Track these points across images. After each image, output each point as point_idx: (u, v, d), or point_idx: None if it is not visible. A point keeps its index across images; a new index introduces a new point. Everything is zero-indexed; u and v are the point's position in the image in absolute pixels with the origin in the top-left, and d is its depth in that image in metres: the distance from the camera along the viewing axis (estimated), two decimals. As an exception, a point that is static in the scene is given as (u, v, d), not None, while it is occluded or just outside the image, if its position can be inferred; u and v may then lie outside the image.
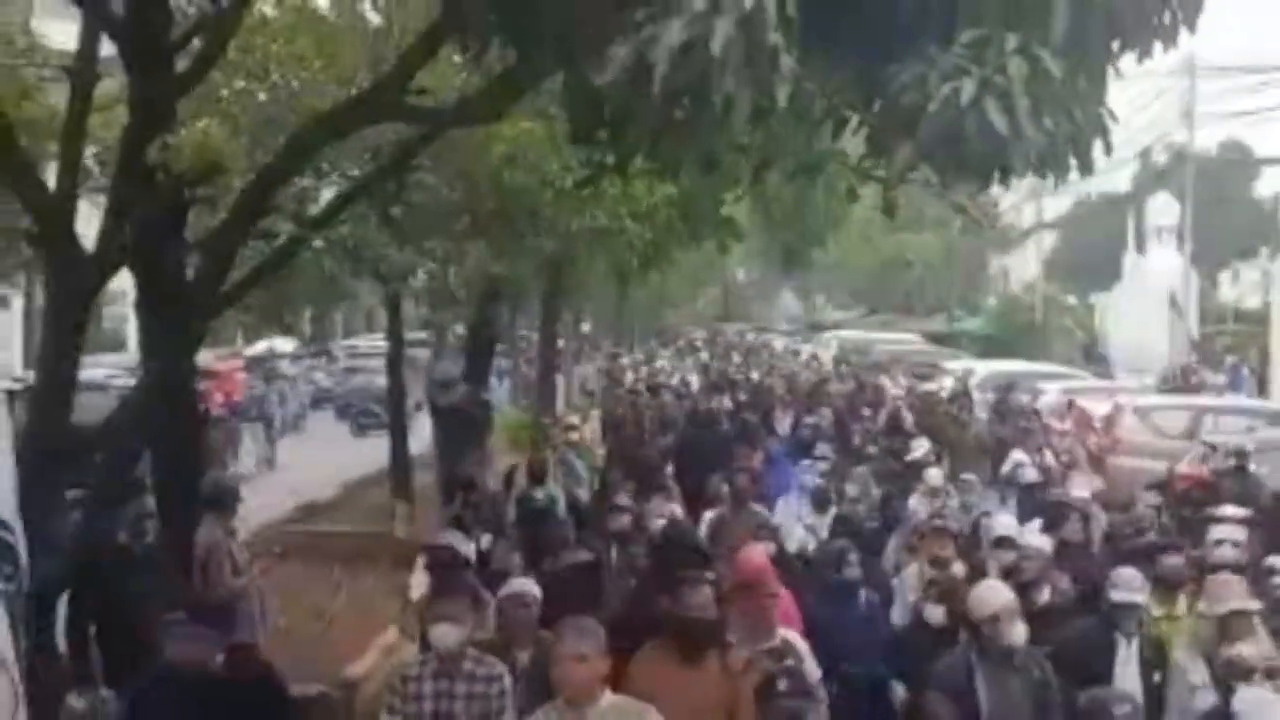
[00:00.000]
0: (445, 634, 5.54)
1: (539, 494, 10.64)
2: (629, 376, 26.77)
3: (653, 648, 5.87)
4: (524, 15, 4.72)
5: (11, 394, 19.75)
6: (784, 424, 17.47)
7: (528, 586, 6.52)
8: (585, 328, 39.42)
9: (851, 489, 11.28)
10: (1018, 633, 5.96)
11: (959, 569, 8.11)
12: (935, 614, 7.42)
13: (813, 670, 6.45)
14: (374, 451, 17.27)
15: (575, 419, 17.03)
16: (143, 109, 6.24)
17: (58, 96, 7.63)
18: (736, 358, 36.23)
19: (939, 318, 51.11)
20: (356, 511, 14.74)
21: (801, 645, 6.49)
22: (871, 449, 14.44)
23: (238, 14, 6.18)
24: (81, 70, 6.51)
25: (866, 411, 18.21)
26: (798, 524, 10.32)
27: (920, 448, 13.32)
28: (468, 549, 7.88)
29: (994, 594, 6.14)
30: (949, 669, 6.09)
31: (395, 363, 15.04)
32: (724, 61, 3.47)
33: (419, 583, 7.77)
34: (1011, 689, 5.92)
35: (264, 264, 7.14)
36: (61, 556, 6.57)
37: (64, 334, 6.22)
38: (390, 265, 11.32)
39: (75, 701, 6.71)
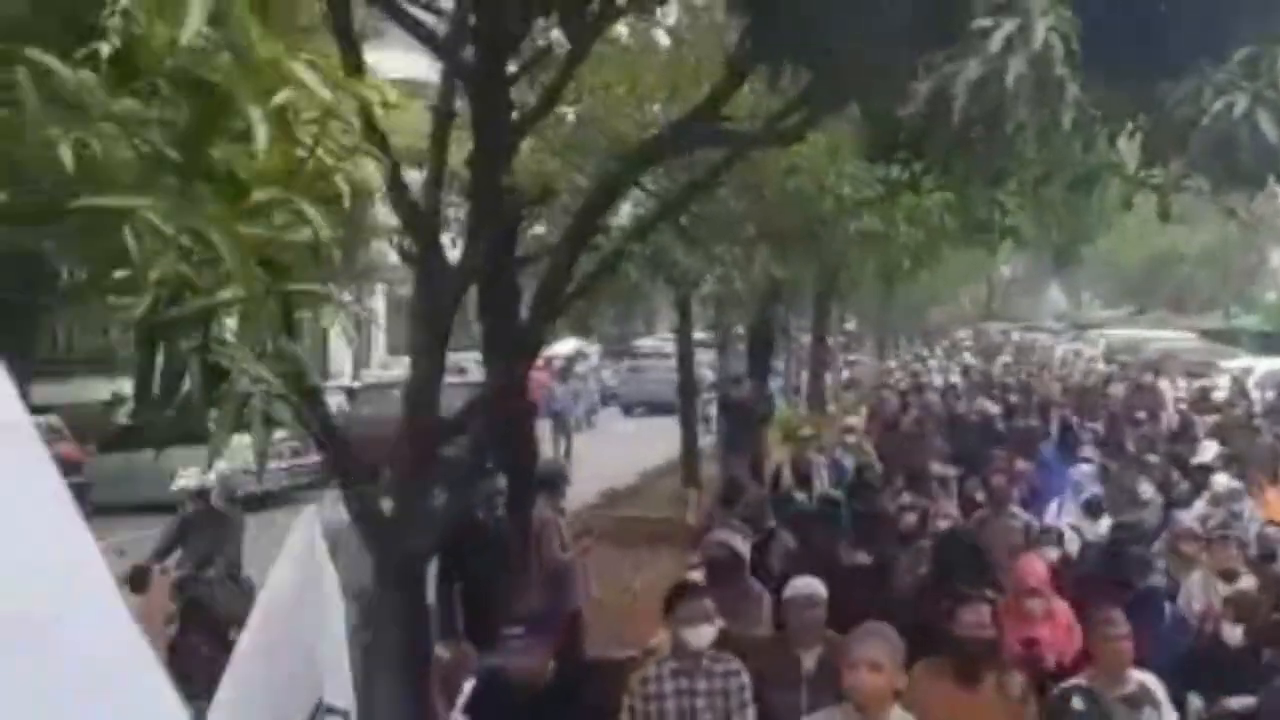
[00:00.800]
0: (702, 634, 5.50)
1: (800, 496, 11.03)
2: (896, 376, 26.62)
3: (927, 666, 5.69)
4: (828, 51, 5.49)
5: (351, 391, 21.79)
6: (1054, 427, 17.04)
7: (815, 586, 6.26)
8: (849, 326, 39.78)
9: (1124, 495, 11.01)
10: None
11: (1249, 582, 7.88)
12: (1234, 634, 7.19)
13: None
14: (662, 444, 18.31)
15: (852, 420, 16.97)
16: (488, 138, 7.19)
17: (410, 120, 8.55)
18: (1006, 358, 35.31)
19: (1214, 314, 49.19)
20: (652, 499, 15.73)
21: (1160, 693, 5.78)
22: (1151, 455, 13.70)
23: (585, 50, 6.94)
24: (440, 104, 7.49)
25: (1142, 414, 17.63)
26: (1065, 529, 10.00)
27: (1208, 451, 12.99)
28: (745, 547, 7.62)
29: None
30: None
31: (686, 361, 16.01)
32: (1016, 93, 4.12)
33: (695, 574, 7.49)
34: None
35: (593, 274, 8.09)
36: (430, 529, 7.66)
37: (434, 338, 7.25)
38: (683, 270, 12.24)
39: (442, 651, 7.90)
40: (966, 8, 4.22)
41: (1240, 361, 29.34)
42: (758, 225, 12.51)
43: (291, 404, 2.76)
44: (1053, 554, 8.18)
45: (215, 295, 2.51)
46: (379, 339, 37.41)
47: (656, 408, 25.58)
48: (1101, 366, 29.63)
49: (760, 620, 6.67)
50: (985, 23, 4.04)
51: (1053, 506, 11.02)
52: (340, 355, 36.40)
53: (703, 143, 7.25)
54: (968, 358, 36.45)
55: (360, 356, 37.52)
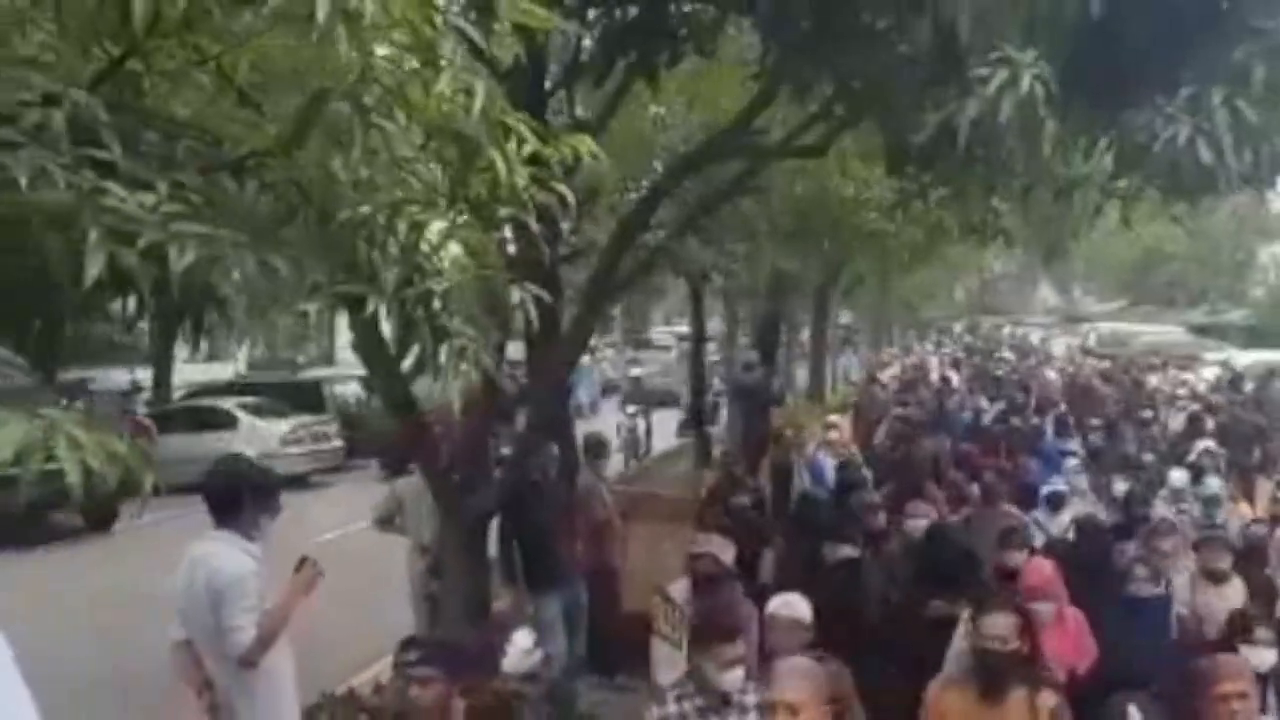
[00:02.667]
0: (735, 679, 5.16)
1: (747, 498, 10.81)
2: (888, 372, 26.08)
3: (949, 681, 5.51)
4: (850, 80, 6.61)
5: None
6: (1049, 425, 16.14)
7: (798, 608, 5.92)
8: (844, 319, 40.78)
9: (1099, 492, 10.92)
10: None
11: (1237, 584, 7.76)
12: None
13: None
14: (665, 431, 19.41)
15: (836, 417, 16.48)
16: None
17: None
18: (1009, 354, 34.71)
19: (1200, 309, 50.35)
20: (663, 480, 16.79)
21: None
22: (1148, 455, 13.55)
23: (656, 88, 7.64)
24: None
25: (1148, 414, 17.34)
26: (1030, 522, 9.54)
27: (1198, 450, 12.80)
28: (729, 556, 7.15)
29: None
30: None
31: (698, 349, 17.14)
32: (1007, 127, 5.24)
33: (680, 588, 7.02)
34: None
35: (635, 270, 9.15)
36: (492, 490, 8.73)
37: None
38: (698, 265, 13.36)
39: (504, 591, 9.02)
40: (967, 55, 5.34)
41: (1223, 354, 30.43)
42: (767, 224, 13.59)
43: (489, 355, 3.87)
44: (1018, 556, 7.67)
45: (444, 280, 3.65)
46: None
47: (658, 400, 26.28)
48: (1094, 362, 29.69)
49: (748, 637, 6.04)
50: (983, 71, 5.16)
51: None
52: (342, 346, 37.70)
53: (736, 153, 8.32)
54: (960, 354, 36.60)
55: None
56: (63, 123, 2.76)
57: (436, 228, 3.33)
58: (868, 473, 11.48)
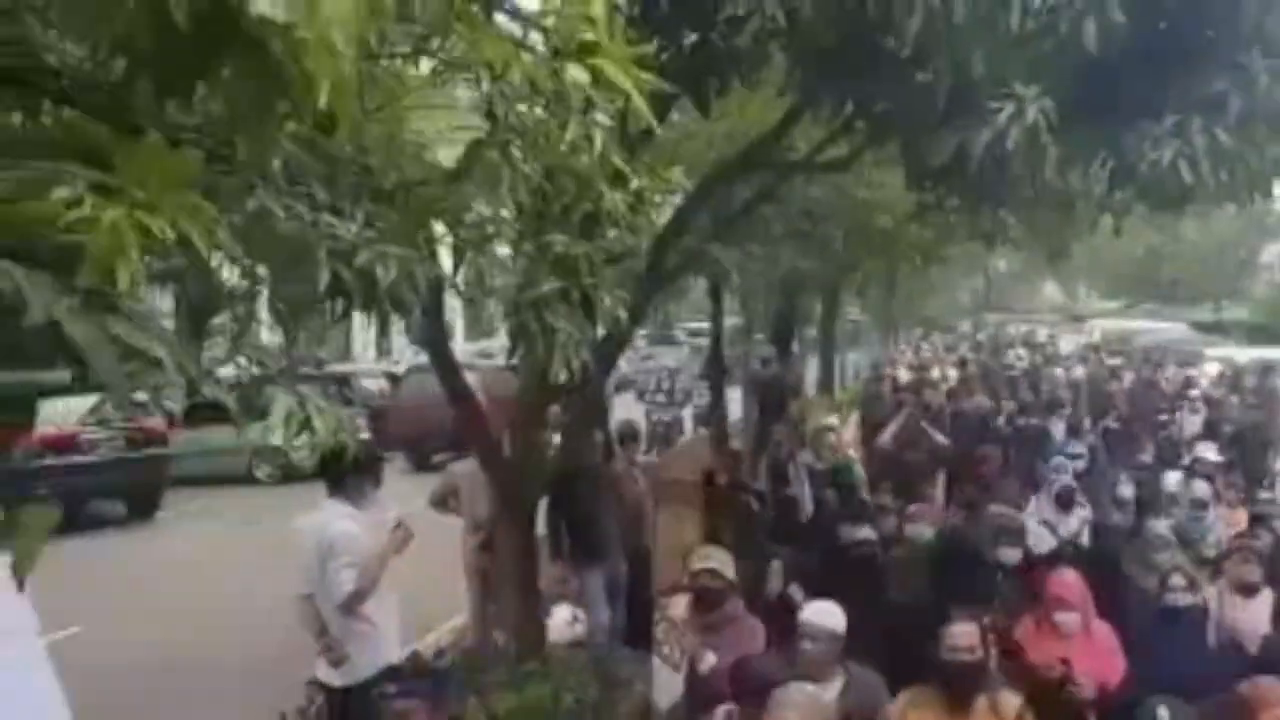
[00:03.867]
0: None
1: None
2: (895, 370, 25.24)
3: (913, 695, 5.56)
4: (875, 102, 7.44)
5: (394, 376, 23.42)
6: (1060, 425, 15.57)
7: (831, 621, 5.73)
8: (852, 316, 41.36)
9: (1104, 493, 10.72)
10: None
11: (1267, 599, 7.60)
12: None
13: None
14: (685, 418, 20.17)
15: (834, 418, 16.64)
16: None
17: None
18: (1022, 351, 34.23)
19: (1204, 307, 51.01)
20: (685, 466, 17.51)
21: None
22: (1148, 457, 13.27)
23: (707, 113, 8.14)
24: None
25: (1165, 415, 17.03)
26: (1037, 523, 9.60)
27: (1207, 451, 12.68)
28: (731, 571, 6.80)
29: None
30: None
31: (717, 343, 17.91)
32: (1015, 152, 6.08)
33: (679, 603, 6.81)
34: None
35: (674, 270, 9.93)
36: (542, 473, 9.54)
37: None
38: (719, 264, 14.11)
39: (552, 566, 9.87)
40: (980, 89, 6.19)
41: (1224, 350, 31.12)
42: (784, 225, 14.37)
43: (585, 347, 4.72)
44: (1014, 555, 7.73)
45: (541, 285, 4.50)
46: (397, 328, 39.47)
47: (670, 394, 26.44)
48: (1109, 360, 29.10)
49: (752, 652, 6.14)
50: (994, 104, 6.01)
51: (1033, 500, 10.60)
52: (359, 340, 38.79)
53: (768, 166, 9.13)
54: (966, 352, 36.31)
55: (380, 344, 39.91)
56: (280, 165, 3.58)
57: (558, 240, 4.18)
58: (862, 474, 11.82)
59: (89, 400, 11.38)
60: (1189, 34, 6.58)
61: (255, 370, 3.60)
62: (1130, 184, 6.75)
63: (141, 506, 18.62)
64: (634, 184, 4.14)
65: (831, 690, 5.46)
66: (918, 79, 6.65)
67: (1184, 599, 7.02)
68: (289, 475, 18.74)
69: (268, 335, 5.13)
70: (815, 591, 6.50)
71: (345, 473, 6.29)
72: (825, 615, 5.73)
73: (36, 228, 2.13)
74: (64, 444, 16.67)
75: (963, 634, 5.49)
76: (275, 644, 9.17)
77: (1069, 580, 6.73)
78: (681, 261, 10.11)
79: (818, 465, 12.00)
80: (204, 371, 2.77)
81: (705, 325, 25.77)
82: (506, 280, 4.51)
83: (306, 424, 3.20)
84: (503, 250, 4.63)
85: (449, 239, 4.31)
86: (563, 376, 4.65)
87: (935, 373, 24.06)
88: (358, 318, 4.38)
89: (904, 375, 23.01)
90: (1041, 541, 9.00)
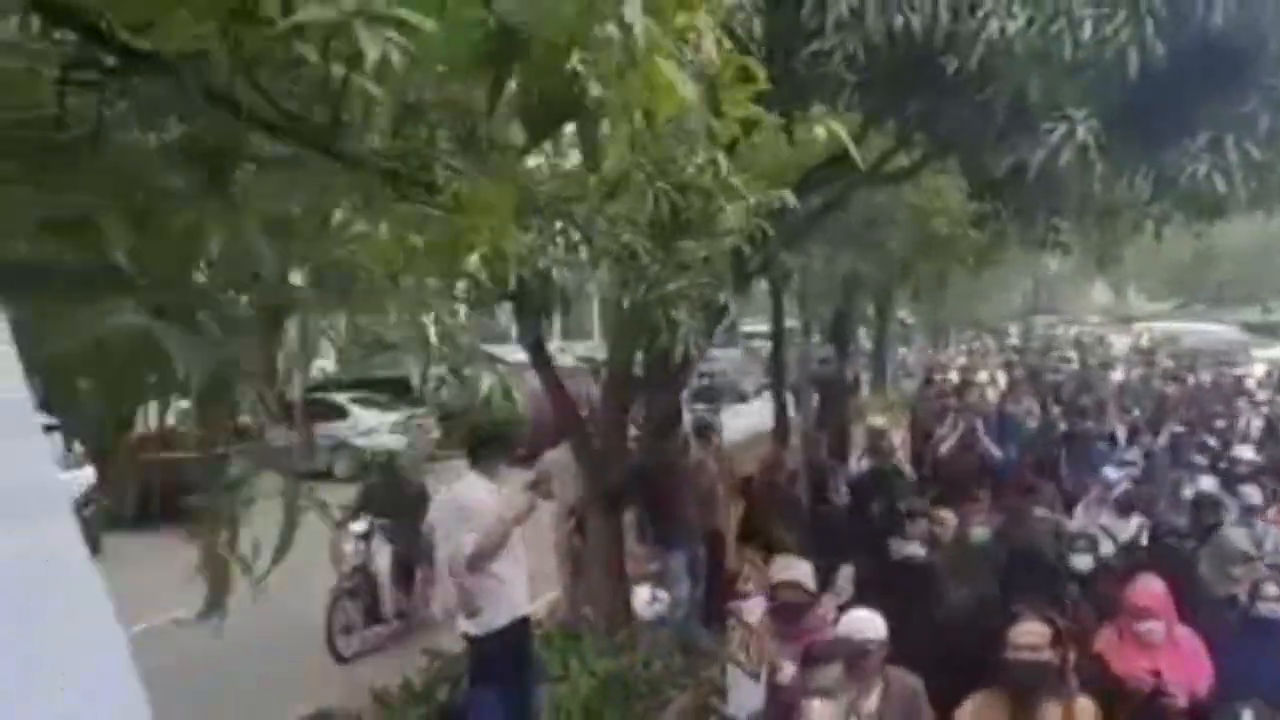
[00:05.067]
0: (819, 711, 4.92)
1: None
2: (945, 376, 24.19)
3: (984, 696, 5.43)
4: (939, 120, 8.25)
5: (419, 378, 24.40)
6: (1120, 429, 15.47)
7: (869, 628, 5.70)
8: (903, 316, 41.64)
9: (1163, 496, 10.63)
10: None
11: None
12: None
13: None
14: (739, 419, 20.89)
15: (883, 420, 15.72)
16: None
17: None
18: (1072, 353, 34.29)
19: (1252, 308, 51.10)
20: (747, 462, 18.30)
21: None
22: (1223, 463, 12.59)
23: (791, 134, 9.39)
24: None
25: (1221, 422, 16.59)
26: (1098, 532, 9.35)
27: (1245, 451, 12.68)
28: (812, 583, 6.74)
29: None
30: None
31: (778, 343, 18.66)
32: (1066, 169, 6.90)
33: (755, 609, 6.77)
34: None
35: (749, 275, 10.70)
36: (628, 463, 10.34)
37: (631, 335, 9.96)
38: (782, 266, 14.88)
39: (637, 548, 10.71)
40: (1035, 113, 7.01)
41: (1271, 351, 31.49)
42: (845, 230, 15.12)
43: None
44: (1085, 561, 7.74)
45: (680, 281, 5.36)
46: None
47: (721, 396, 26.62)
48: (1166, 362, 28.88)
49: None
50: (1048, 125, 6.82)
51: (1078, 508, 10.60)
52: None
53: (838, 177, 9.91)
54: (1013, 354, 36.43)
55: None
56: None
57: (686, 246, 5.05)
58: (912, 476, 11.85)
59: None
60: (1221, 59, 7.33)
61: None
62: (1170, 194, 7.55)
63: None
64: (751, 200, 4.96)
65: (872, 697, 5.46)
66: (977, 99, 7.43)
67: (1278, 609, 6.86)
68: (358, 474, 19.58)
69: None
70: (864, 598, 6.56)
71: (485, 449, 7.28)
72: (865, 627, 5.68)
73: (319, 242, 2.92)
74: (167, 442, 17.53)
75: (1030, 633, 5.32)
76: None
77: (1154, 590, 6.48)
78: (756, 267, 10.88)
79: (865, 466, 12.37)
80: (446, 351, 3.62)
81: (760, 328, 26.67)
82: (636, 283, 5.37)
83: (507, 394, 4.06)
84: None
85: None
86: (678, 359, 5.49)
87: (984, 376, 23.72)
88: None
89: (954, 378, 22.41)
90: (1103, 545, 8.80)
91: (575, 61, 2.26)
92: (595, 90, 2.31)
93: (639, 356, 9.85)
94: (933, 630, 6.33)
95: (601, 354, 20.95)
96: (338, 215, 3.16)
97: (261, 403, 2.41)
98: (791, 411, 18.26)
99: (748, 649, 6.54)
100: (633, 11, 2.14)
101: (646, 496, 10.53)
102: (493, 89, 2.28)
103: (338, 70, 2.23)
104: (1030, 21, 6.41)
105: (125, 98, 3.76)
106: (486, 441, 7.27)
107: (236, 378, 2.34)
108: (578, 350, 21.02)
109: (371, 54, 1.97)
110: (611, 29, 2.18)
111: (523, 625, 7.36)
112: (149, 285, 2.07)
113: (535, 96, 2.38)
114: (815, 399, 17.59)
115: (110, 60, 3.20)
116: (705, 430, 12.07)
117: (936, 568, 7.64)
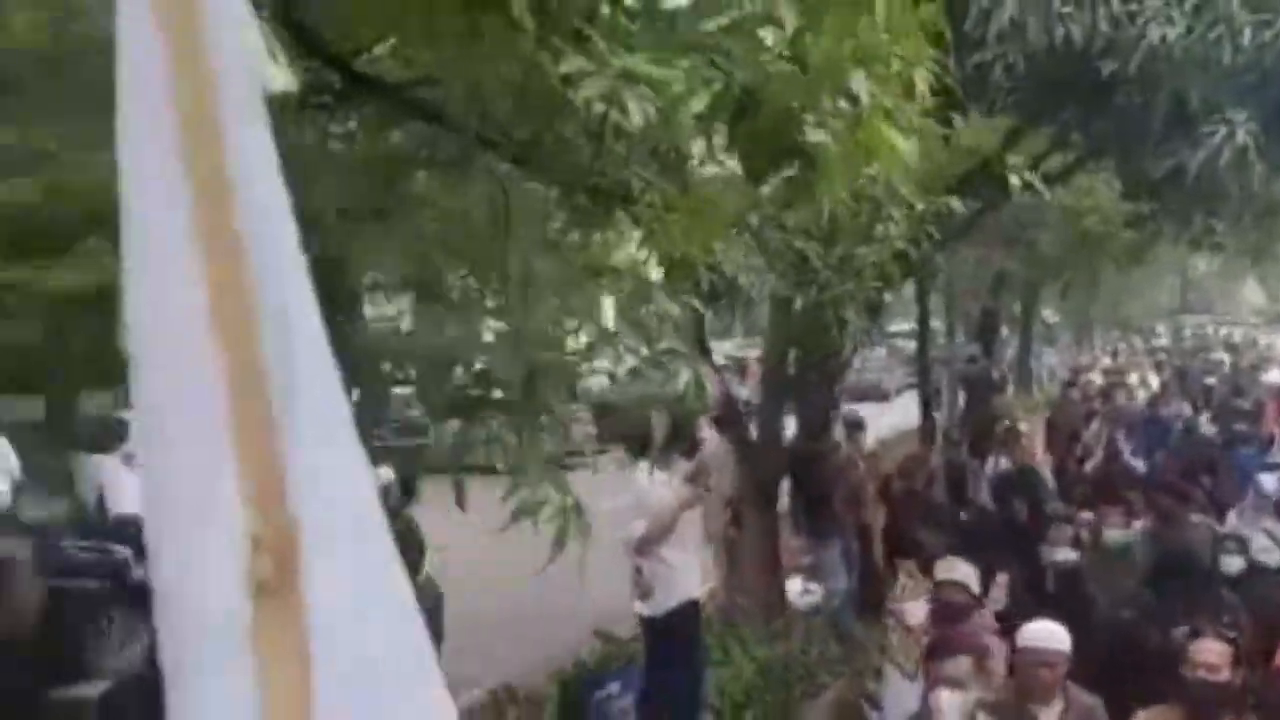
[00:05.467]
0: (948, 700, 4.89)
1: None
2: (1088, 378, 23.34)
3: (1158, 713, 5.18)
4: (1096, 123, 8.42)
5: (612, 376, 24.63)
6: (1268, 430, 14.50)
7: (1054, 640, 5.38)
8: (1048, 315, 40.83)
9: None
10: None
11: None
12: None
13: None
14: (882, 417, 20.94)
15: (1025, 425, 15.62)
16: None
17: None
18: (1223, 355, 32.86)
19: None
20: (890, 460, 18.41)
21: None
22: None
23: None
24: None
25: None
26: (1258, 535, 8.75)
27: None
28: (976, 584, 6.65)
29: None
30: None
31: (923, 342, 18.69)
32: (1226, 170, 7.05)
33: (917, 612, 6.67)
34: None
35: (904, 274, 10.92)
36: (783, 457, 10.68)
37: (787, 339, 10.25)
38: (928, 266, 14.99)
39: (792, 540, 11.06)
40: (1196, 117, 7.18)
41: None
42: (992, 229, 15.15)
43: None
44: (1236, 564, 7.42)
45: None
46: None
47: (862, 395, 25.43)
48: None
49: (990, 680, 5.66)
50: (1208, 129, 6.99)
51: (1231, 514, 9.95)
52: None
53: (992, 184, 10.08)
54: (1162, 354, 35.47)
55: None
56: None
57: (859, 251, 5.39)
58: (1049, 480, 11.66)
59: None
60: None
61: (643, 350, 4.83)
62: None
63: (406, 489, 20.11)
64: (919, 207, 5.29)
65: (1051, 715, 5.23)
66: (1135, 103, 7.59)
67: None
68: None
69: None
70: (1019, 605, 6.53)
71: (669, 442, 7.73)
72: (1039, 638, 5.41)
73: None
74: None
75: (1210, 650, 5.01)
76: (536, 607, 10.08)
77: None
78: (909, 268, 11.13)
79: (1003, 466, 12.33)
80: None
81: (902, 327, 26.67)
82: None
83: (700, 389, 4.45)
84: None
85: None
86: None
87: (1134, 378, 22.67)
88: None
89: (1098, 380, 21.85)
90: (1267, 553, 8.42)
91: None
92: (815, 138, 2.66)
93: (791, 355, 10.14)
94: (1089, 638, 5.97)
95: (743, 352, 21.40)
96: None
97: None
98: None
99: (907, 650, 6.47)
100: (859, 84, 2.47)
101: (801, 490, 10.84)
102: (731, 141, 2.64)
103: (598, 109, 2.62)
104: (1189, 29, 6.58)
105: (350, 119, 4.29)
106: (674, 434, 7.68)
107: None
108: (725, 349, 21.31)
109: (636, 119, 2.34)
110: (841, 102, 2.53)
111: (693, 608, 7.74)
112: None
113: (759, 143, 2.75)
114: (961, 398, 17.64)
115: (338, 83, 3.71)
116: (855, 427, 12.32)
117: (1086, 572, 7.47)
